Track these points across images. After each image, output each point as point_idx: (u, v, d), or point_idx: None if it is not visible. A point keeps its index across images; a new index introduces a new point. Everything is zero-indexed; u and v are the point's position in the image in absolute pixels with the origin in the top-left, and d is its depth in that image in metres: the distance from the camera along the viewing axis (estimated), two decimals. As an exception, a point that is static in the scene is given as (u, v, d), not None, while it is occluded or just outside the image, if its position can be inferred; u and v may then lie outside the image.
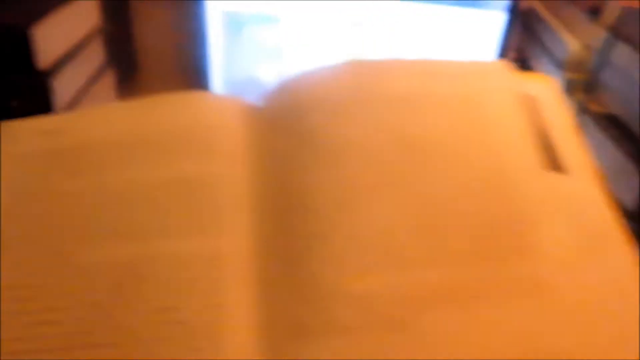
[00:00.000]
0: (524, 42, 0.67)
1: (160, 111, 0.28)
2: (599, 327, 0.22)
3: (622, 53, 0.48)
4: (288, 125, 0.27)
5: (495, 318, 0.22)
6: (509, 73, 0.30)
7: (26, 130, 0.28)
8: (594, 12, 0.56)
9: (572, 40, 0.56)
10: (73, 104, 0.46)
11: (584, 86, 0.51)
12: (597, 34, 0.51)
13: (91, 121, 0.28)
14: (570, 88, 0.54)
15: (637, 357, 0.21)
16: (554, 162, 0.28)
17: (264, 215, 0.24)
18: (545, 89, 0.31)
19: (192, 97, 0.29)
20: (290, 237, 0.23)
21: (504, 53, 0.66)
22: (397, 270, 0.22)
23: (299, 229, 0.24)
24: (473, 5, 0.64)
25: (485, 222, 0.24)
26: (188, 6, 0.64)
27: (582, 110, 0.52)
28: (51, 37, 0.42)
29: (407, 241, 0.23)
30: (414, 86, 0.28)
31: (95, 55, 0.53)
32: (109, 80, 0.56)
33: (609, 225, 0.26)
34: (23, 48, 0.39)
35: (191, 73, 0.67)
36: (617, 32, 0.49)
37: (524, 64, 0.67)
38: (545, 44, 0.61)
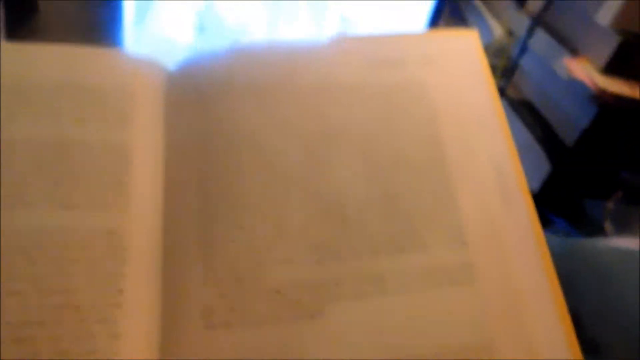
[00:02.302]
0: (450, 26, 0.66)
1: (65, 61, 0.23)
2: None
3: (541, 41, 0.48)
4: (201, 102, 0.24)
5: (403, 308, 0.21)
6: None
7: None
8: (520, 0, 0.56)
9: (496, 25, 0.55)
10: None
11: (503, 71, 0.50)
12: (521, 22, 0.51)
13: None
14: (492, 72, 0.54)
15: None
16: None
17: (176, 195, 0.22)
18: (467, 42, 0.30)
19: (104, 53, 0.24)
20: (208, 222, 0.21)
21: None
22: (313, 263, 0.21)
23: (220, 215, 0.21)
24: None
25: (406, 213, 0.23)
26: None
27: (500, 94, 0.51)
28: None
29: (325, 233, 0.22)
30: (328, 75, 0.26)
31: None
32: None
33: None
34: None
35: (99, 24, 0.61)
36: (539, 20, 0.48)
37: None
38: (471, 27, 0.61)
